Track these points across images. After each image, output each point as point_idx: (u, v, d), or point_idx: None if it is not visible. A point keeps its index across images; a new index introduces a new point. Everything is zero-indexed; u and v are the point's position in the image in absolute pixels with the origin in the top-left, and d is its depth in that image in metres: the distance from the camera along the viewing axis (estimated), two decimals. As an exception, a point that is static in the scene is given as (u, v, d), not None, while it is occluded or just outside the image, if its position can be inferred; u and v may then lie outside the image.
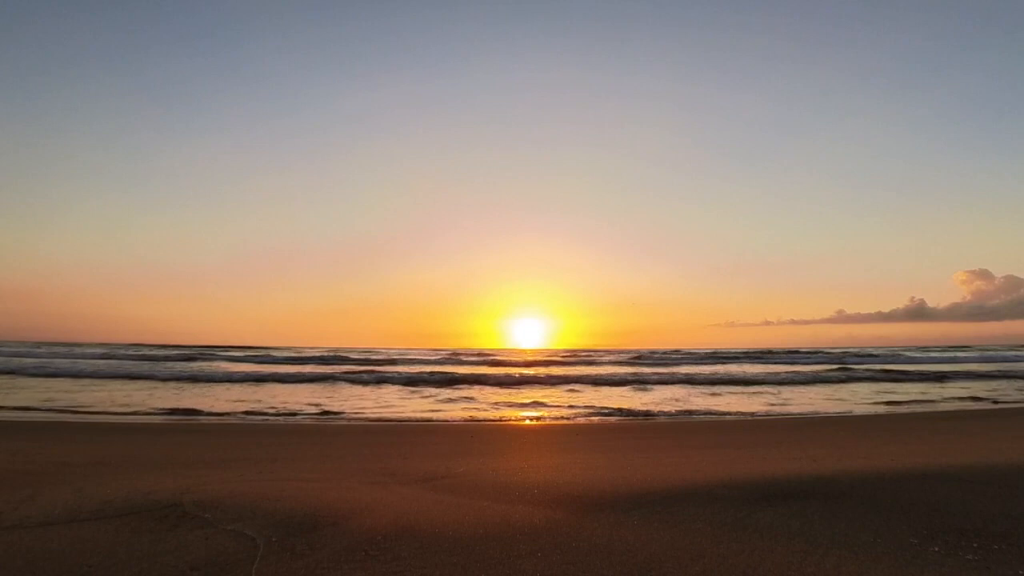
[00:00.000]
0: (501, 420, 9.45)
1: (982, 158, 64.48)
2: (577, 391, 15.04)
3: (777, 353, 42.15)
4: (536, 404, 11.96)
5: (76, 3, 51.15)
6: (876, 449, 5.24)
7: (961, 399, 12.50)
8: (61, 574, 2.17)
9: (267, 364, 26.27)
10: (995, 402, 11.72)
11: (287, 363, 27.23)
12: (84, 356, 29.23)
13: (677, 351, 50.39)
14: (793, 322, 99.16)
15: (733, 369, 25.23)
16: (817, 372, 20.95)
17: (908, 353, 42.06)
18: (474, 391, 15.28)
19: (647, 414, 9.98)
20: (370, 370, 22.12)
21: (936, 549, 2.37)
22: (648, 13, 55.42)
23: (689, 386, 16.46)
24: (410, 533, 2.58)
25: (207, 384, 16.05)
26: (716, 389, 15.53)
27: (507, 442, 6.62)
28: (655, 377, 19.59)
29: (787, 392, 14.54)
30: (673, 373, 21.61)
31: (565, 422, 9.17)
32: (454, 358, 34.62)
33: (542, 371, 23.42)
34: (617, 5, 55.25)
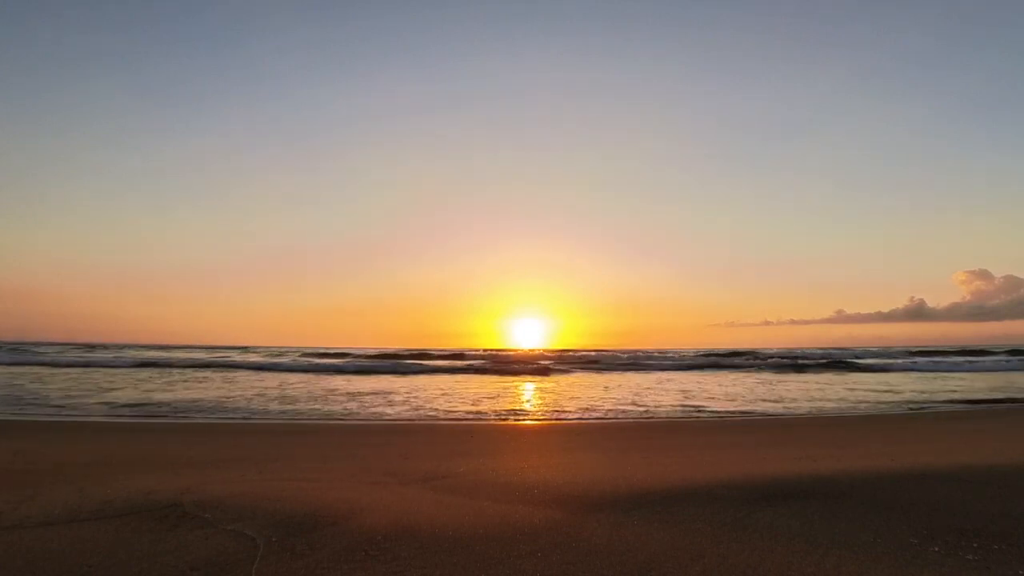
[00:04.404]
0: (501, 420, 9.45)
1: (982, 158, 64.52)
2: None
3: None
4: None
5: (76, 3, 51.16)
6: (875, 449, 5.24)
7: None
8: (61, 574, 2.17)
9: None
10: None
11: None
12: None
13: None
14: (793, 322, 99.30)
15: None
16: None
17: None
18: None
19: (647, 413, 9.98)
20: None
21: (936, 549, 2.37)
22: (648, 13, 55.43)
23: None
24: (410, 533, 2.59)
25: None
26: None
27: (507, 442, 6.62)
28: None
29: None
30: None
31: (565, 422, 9.17)
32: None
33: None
34: (617, 5, 55.27)
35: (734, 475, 3.71)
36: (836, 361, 27.77)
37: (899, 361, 28.95)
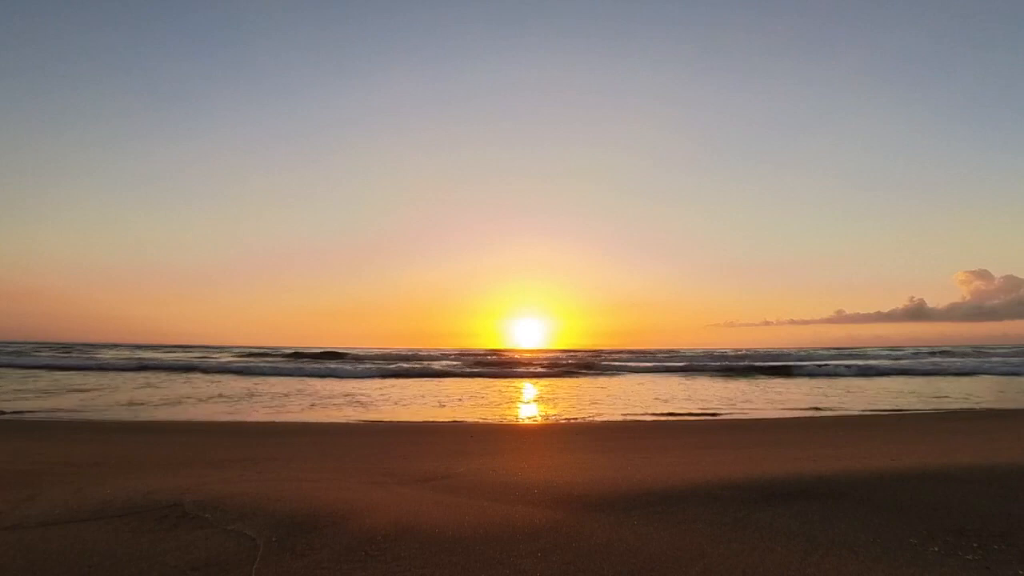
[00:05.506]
0: (501, 420, 9.45)
1: (982, 158, 64.58)
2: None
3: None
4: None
5: (76, 3, 51.15)
6: (876, 449, 5.23)
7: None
8: (61, 574, 2.17)
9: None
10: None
11: None
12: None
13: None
14: (793, 322, 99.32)
15: None
16: None
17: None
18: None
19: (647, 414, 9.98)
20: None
21: (936, 549, 2.37)
22: (648, 13, 55.45)
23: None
24: (410, 533, 2.58)
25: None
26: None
27: (507, 442, 6.62)
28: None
29: None
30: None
31: (565, 422, 9.17)
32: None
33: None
34: (617, 5, 55.25)
35: (734, 475, 3.71)
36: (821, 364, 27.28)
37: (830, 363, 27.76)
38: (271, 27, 53.26)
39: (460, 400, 12.68)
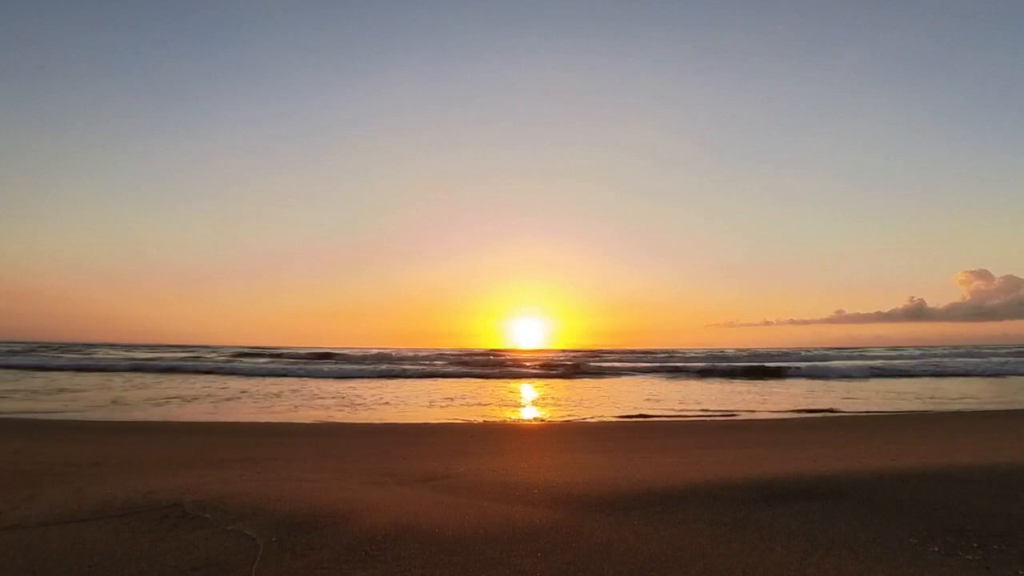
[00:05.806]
0: (501, 420, 9.44)
1: (982, 158, 64.57)
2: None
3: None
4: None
5: (76, 3, 51.15)
6: (876, 449, 5.24)
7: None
8: (61, 574, 2.17)
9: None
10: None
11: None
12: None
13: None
14: (793, 322, 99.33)
15: None
16: None
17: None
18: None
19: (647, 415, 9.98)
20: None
21: (936, 549, 2.37)
22: (648, 13, 55.42)
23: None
24: (410, 533, 2.58)
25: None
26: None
27: (507, 442, 6.62)
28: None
29: None
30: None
31: (565, 422, 9.17)
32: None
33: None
34: (617, 5, 55.24)
35: (734, 475, 3.71)
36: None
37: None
38: (271, 27, 53.23)
39: (459, 400, 12.67)
